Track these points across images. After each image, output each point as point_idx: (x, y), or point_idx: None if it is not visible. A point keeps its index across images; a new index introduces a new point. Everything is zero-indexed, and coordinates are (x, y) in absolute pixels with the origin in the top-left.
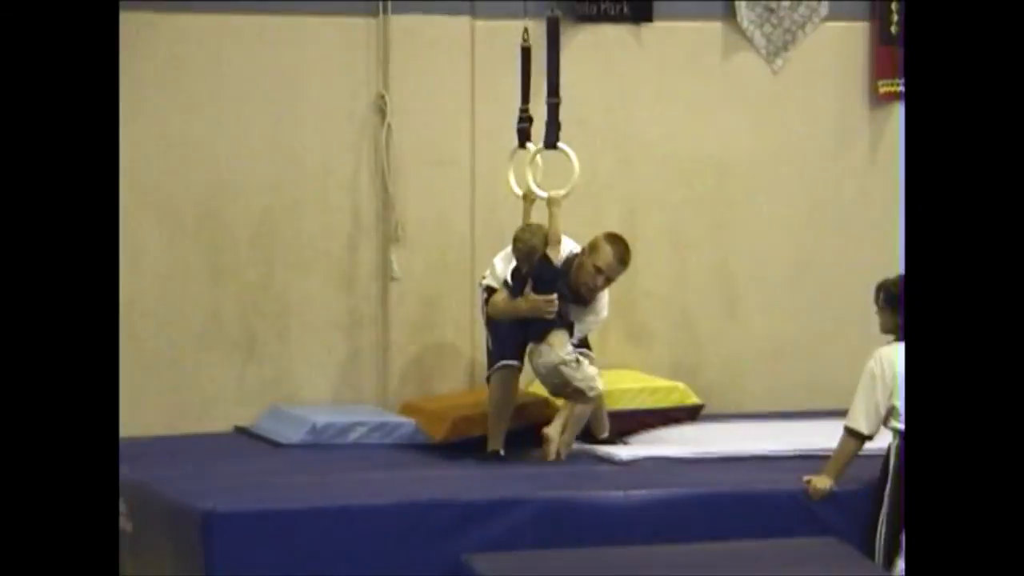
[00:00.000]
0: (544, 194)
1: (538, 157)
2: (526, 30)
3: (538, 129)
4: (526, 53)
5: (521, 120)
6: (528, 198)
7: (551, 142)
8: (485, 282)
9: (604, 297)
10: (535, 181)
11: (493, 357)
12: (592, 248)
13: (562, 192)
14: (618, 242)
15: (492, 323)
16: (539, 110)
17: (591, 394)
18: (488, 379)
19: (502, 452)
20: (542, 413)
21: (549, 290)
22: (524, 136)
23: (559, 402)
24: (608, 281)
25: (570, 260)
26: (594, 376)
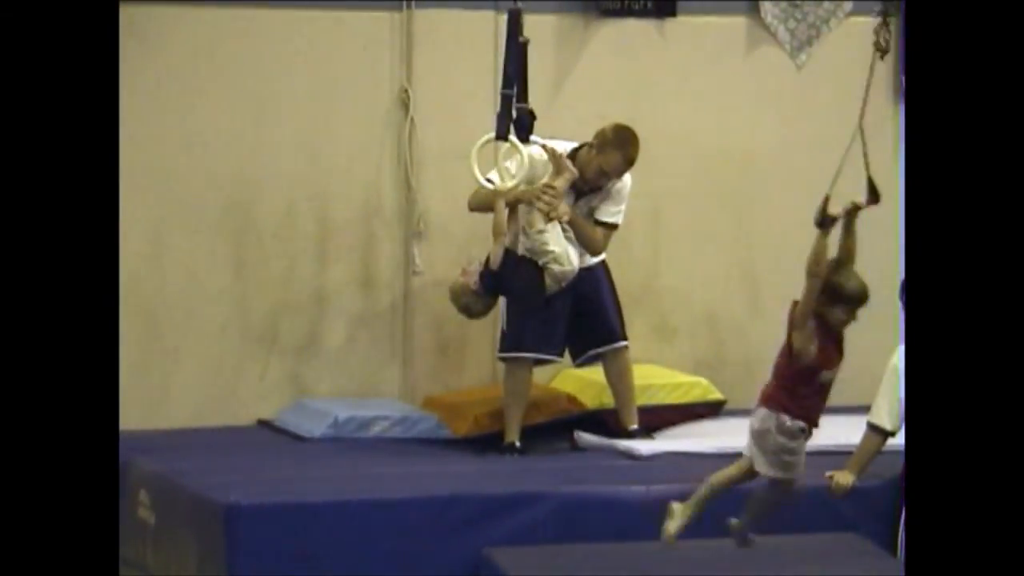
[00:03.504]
0: (491, 185)
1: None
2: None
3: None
4: (514, 17)
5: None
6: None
7: (502, 134)
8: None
9: (625, 187)
10: (480, 172)
11: (507, 342)
12: (600, 147)
13: (508, 185)
14: (627, 145)
15: (508, 305)
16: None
17: (554, 267)
18: (502, 360)
19: (518, 443)
20: (563, 408)
21: (497, 292)
22: (510, 129)
23: (585, 398)
24: (612, 180)
25: (574, 153)
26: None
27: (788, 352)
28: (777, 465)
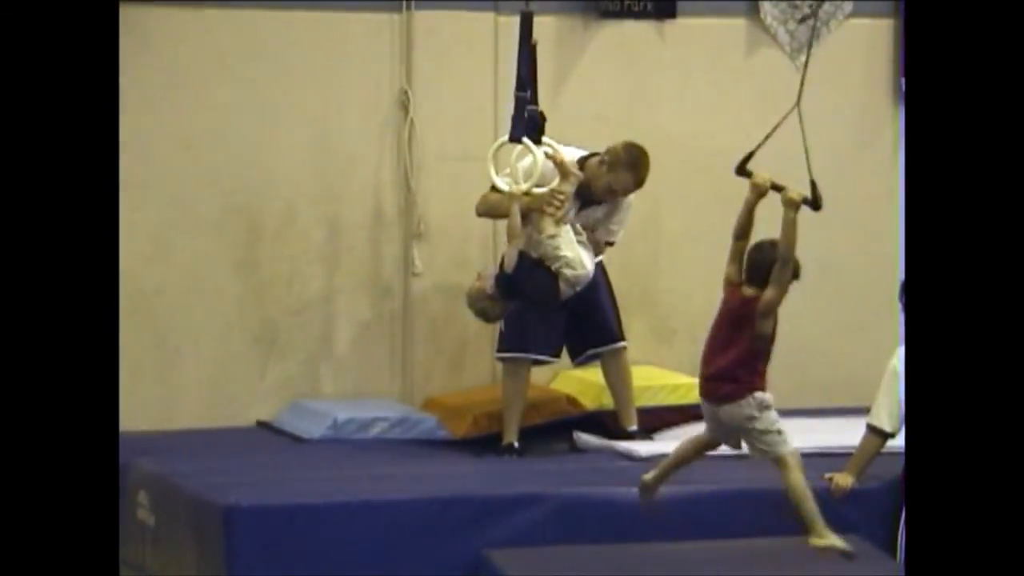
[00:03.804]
0: (505, 187)
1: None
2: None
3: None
4: (526, 20)
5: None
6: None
7: (516, 136)
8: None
9: (629, 203)
10: (496, 174)
11: (504, 342)
12: (611, 166)
13: (523, 187)
14: (638, 166)
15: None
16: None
17: (567, 271)
18: (500, 360)
19: (516, 444)
20: (562, 409)
21: (512, 296)
22: (522, 131)
23: (584, 399)
24: (619, 197)
25: (582, 162)
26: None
27: (748, 339)
28: (773, 444)
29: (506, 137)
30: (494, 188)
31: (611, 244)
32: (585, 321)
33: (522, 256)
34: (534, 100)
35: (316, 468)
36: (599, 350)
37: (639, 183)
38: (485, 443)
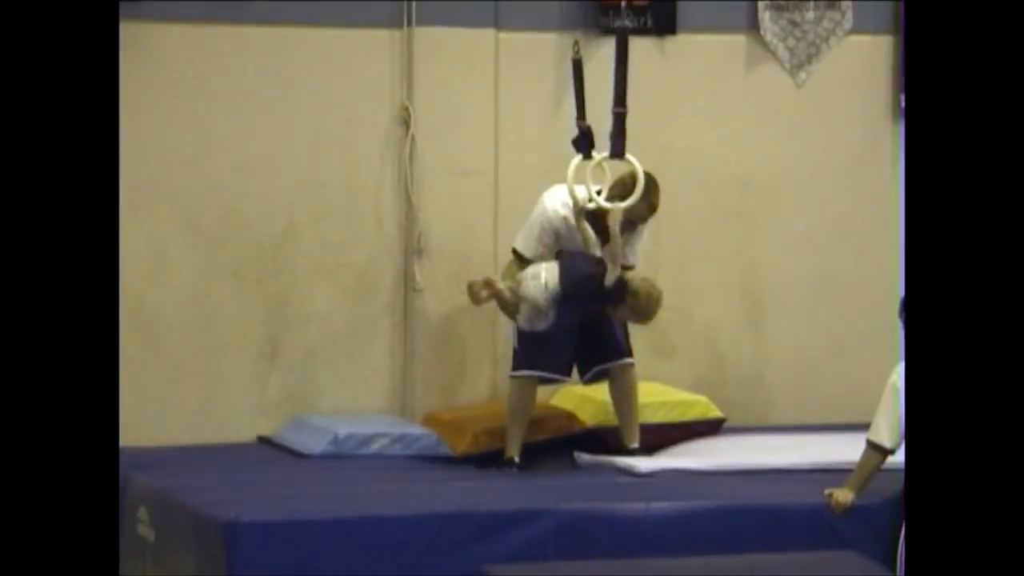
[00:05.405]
0: (594, 205)
1: (604, 167)
2: (576, 42)
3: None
4: (577, 65)
5: (581, 133)
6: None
7: (618, 152)
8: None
9: (644, 228)
10: (598, 192)
11: (518, 360)
12: (623, 198)
13: (622, 205)
14: (649, 192)
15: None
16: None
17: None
18: (514, 379)
19: (517, 459)
20: (563, 426)
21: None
22: (583, 148)
23: (584, 416)
24: (638, 226)
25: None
26: None
27: None
28: None
29: (605, 154)
30: (515, 252)
31: (631, 268)
32: (594, 337)
33: (567, 267)
34: (582, 116)
35: (317, 484)
36: (606, 366)
37: (653, 209)
38: (486, 459)
